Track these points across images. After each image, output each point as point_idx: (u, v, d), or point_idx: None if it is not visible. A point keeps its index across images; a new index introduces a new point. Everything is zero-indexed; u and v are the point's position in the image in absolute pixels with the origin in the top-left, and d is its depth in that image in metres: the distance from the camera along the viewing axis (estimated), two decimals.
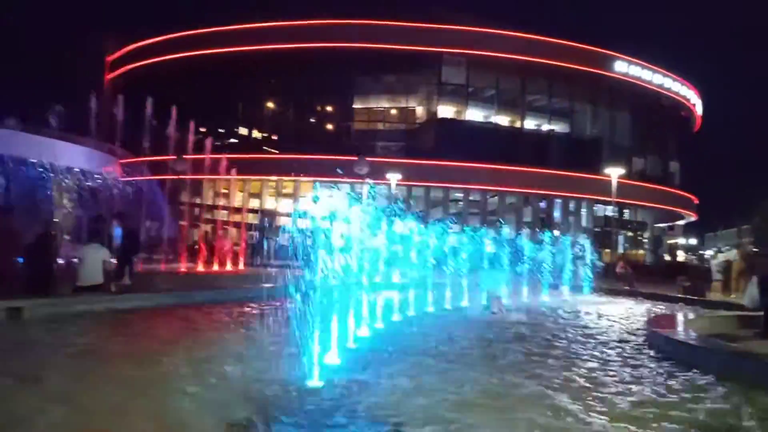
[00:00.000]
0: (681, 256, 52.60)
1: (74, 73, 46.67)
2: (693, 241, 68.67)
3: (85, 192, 18.02)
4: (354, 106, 42.26)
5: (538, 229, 40.78)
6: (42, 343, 7.18)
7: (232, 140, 43.13)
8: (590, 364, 7.27)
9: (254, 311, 10.67)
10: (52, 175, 17.71)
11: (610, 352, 8.32)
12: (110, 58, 48.02)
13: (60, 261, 12.01)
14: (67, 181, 17.62)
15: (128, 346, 7.32)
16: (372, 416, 4.64)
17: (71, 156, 18.93)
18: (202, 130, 43.70)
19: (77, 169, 18.51)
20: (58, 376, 5.54)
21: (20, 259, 10.62)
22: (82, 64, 48.11)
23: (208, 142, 30.00)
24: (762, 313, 9.61)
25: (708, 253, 46.79)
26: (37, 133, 17.81)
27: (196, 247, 24.24)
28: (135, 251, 13.29)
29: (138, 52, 45.03)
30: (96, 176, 19.33)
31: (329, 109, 43.56)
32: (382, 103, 42.89)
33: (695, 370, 6.78)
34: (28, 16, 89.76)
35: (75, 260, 11.10)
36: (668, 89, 45.73)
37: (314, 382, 5.46)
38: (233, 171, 28.92)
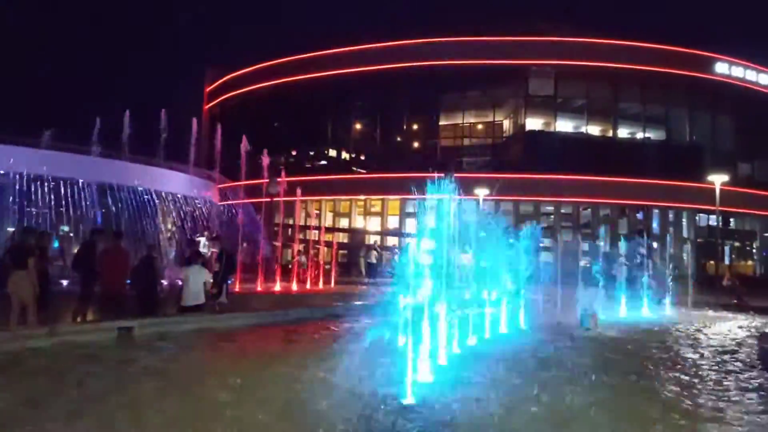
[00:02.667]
0: None
1: (176, 104, 49.68)
2: None
3: (187, 216, 19.09)
4: (440, 123, 42.40)
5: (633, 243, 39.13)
6: (157, 358, 7.65)
7: (322, 162, 44.34)
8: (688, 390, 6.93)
9: (346, 328, 10.88)
10: (157, 201, 18.92)
11: (715, 373, 7.88)
12: (208, 88, 50.79)
13: (164, 282, 12.76)
14: (170, 206, 18.75)
15: (233, 361, 7.69)
16: None
17: (174, 183, 20.12)
18: (294, 153, 45.27)
19: (180, 195, 19.65)
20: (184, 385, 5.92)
21: (128, 282, 11.40)
22: (182, 95, 51.13)
23: (300, 165, 30.92)
24: None
25: None
26: (144, 163, 19.08)
27: (290, 266, 24.97)
28: (232, 272, 13.91)
29: (233, 81, 47.39)
30: (196, 201, 20.43)
31: (415, 127, 43.90)
32: (468, 119, 42.75)
33: None
34: (132, 53, 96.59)
35: (179, 281, 11.77)
36: None
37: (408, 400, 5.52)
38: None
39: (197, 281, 11.01)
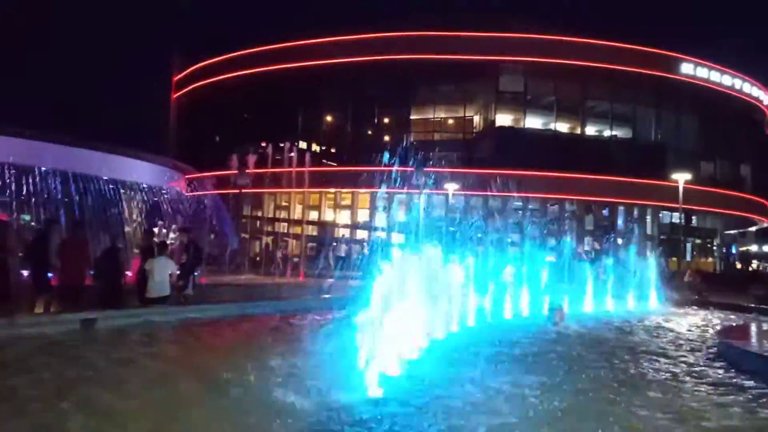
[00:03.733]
0: (756, 263, 50.20)
1: (143, 92, 48.74)
2: (766, 248, 65.38)
3: (152, 206, 18.74)
4: (411, 117, 42.43)
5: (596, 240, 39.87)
6: (118, 350, 7.49)
7: (292, 154, 44.01)
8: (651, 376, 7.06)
9: (312, 321, 10.82)
10: (122, 191, 18.53)
11: (676, 367, 8.05)
12: (176, 77, 49.92)
13: (128, 273, 12.50)
14: (135, 196, 18.38)
15: (195, 353, 7.58)
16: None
17: (139, 172, 19.71)
18: (263, 144, 44.84)
19: (145, 185, 19.27)
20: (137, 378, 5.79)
21: (91, 272, 11.12)
22: (150, 84, 50.30)
23: (269, 156, 30.68)
24: None
25: None
26: (109, 152, 18.63)
27: (258, 258, 24.79)
28: (198, 263, 13.68)
29: (202, 71, 46.63)
30: (162, 191, 20.07)
31: (386, 120, 43.86)
32: (439, 114, 42.89)
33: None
34: (102, 40, 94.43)
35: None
36: (738, 90, 43.89)
37: (374, 392, 5.50)
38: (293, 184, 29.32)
39: (162, 273, 10.83)
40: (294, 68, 40.41)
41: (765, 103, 47.03)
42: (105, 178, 17.61)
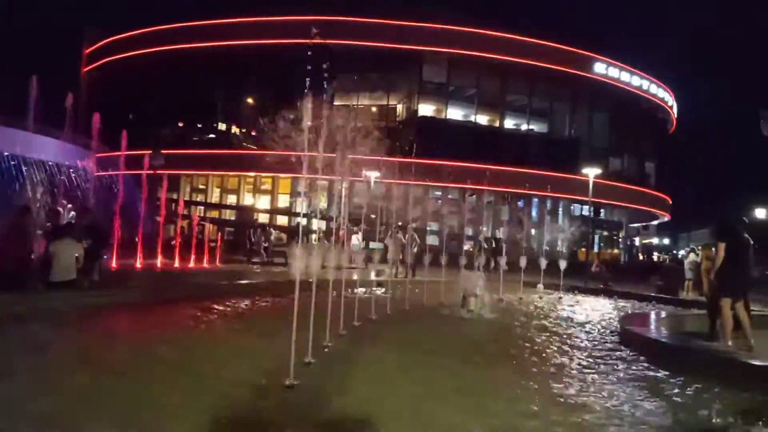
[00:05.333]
0: (656, 255, 53.35)
1: (50, 64, 45.93)
2: (666, 241, 69.76)
3: (58, 186, 17.74)
4: (334, 103, 42.13)
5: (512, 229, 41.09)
6: (12, 337, 7.05)
7: (211, 136, 42.79)
8: (561, 360, 7.35)
9: (225, 308, 10.59)
10: (25, 168, 17.43)
11: (581, 351, 8.41)
12: (88, 50, 47.32)
13: (32, 255, 11.77)
14: (40, 174, 17.34)
15: (96, 341, 7.23)
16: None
17: (45, 149, 18.62)
18: (180, 125, 43.27)
19: (51, 163, 18.22)
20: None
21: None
22: (58, 54, 47.42)
23: (186, 137, 29.70)
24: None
25: (681, 252, 47.51)
26: (9, 126, 17.47)
27: (173, 243, 23.98)
28: (102, 247, 13.03)
29: (116, 44, 44.47)
30: (70, 170, 19.03)
31: (309, 105, 43.35)
32: (362, 101, 42.83)
33: (665, 367, 6.89)
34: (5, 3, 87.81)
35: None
36: (646, 91, 46.30)
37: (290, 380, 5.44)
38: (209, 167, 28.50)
39: (68, 255, 10.27)
40: (214, 47, 39.24)
41: (669, 104, 49.86)
42: (5, 153, 16.51)
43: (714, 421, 4.78)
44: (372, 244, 26.29)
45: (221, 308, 10.50)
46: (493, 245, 15.30)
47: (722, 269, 8.55)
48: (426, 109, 41.83)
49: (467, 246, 22.21)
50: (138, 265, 18.21)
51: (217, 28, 39.90)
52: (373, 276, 15.81)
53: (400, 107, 42.70)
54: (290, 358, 5.45)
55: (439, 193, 40.55)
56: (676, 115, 52.06)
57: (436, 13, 39.42)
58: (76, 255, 10.38)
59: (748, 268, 8.90)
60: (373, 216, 12.40)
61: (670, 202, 51.12)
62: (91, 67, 46.72)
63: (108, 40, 45.15)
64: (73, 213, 17.10)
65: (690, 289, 19.32)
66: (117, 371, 5.74)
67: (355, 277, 12.87)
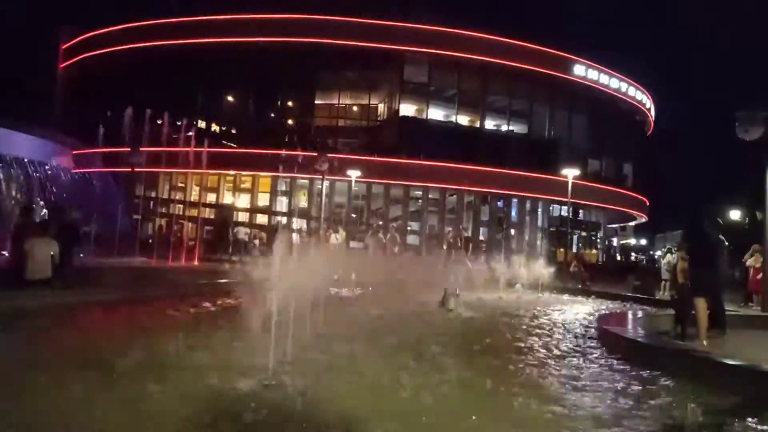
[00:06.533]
0: (634, 256, 54.02)
1: (26, 59, 45.22)
2: (643, 242, 70.70)
3: (33, 183, 17.50)
4: (315, 101, 42.05)
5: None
6: None
7: (190, 133, 42.36)
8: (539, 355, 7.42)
9: (202, 308, 10.50)
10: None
11: (560, 348, 8.50)
12: (65, 45, 46.63)
13: (5, 253, 11.62)
14: (14, 171, 17.08)
15: (68, 340, 7.13)
16: None
17: (20, 146, 18.33)
18: (159, 122, 42.76)
19: (26, 160, 17.96)
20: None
21: None
22: (35, 50, 46.66)
23: (165, 135, 29.41)
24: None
25: (658, 253, 48.14)
26: None
27: (151, 241, 23.77)
28: (73, 245, 12.85)
29: (94, 40, 43.84)
30: (45, 167, 18.78)
31: (290, 104, 43.22)
32: (344, 100, 42.78)
33: (641, 366, 6.99)
34: None
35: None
36: (624, 93, 46.81)
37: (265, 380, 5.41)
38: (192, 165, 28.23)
39: (43, 253, 10.15)
40: (194, 45, 38.89)
41: (647, 106, 50.48)
42: None
43: (687, 420, 4.85)
44: (352, 244, 26.33)
45: (196, 308, 10.41)
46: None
47: (696, 270, 8.70)
48: (407, 109, 41.88)
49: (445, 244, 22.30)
50: (115, 263, 18.02)
51: (197, 25, 39.59)
52: (353, 275, 15.82)
53: (381, 107, 42.71)
54: (268, 358, 5.44)
55: (420, 192, 40.68)
56: (653, 118, 52.73)
57: (417, 13, 39.49)
58: (52, 253, 10.26)
59: (721, 269, 9.06)
60: (353, 215, 12.39)
61: (648, 204, 51.75)
62: (68, 63, 46.05)
63: (85, 35, 44.53)
64: (45, 211, 16.90)
65: (666, 290, 19.60)
66: (80, 374, 5.65)
67: (335, 276, 12.85)
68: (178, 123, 33.40)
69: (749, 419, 4.88)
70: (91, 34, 43.98)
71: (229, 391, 5.08)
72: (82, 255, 14.61)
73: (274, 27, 38.36)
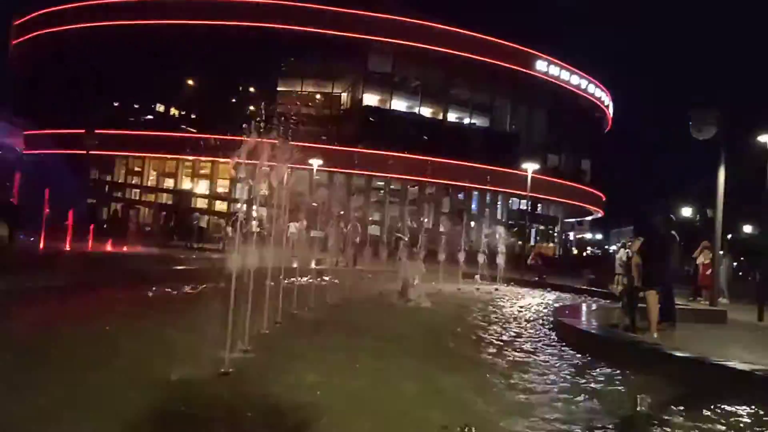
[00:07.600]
0: (589, 250, 55.16)
1: None
2: (599, 236, 72.25)
3: None
4: (278, 88, 41.50)
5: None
6: None
7: (148, 117, 41.39)
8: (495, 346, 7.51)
9: (154, 294, 10.29)
10: None
11: (515, 339, 8.62)
12: (16, 22, 44.90)
13: None
14: None
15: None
16: None
17: None
18: (116, 104, 41.63)
19: None
20: None
21: None
22: None
23: (122, 117, 28.70)
24: None
25: (613, 247, 49.26)
26: None
27: (105, 226, 23.19)
28: (16, 227, 12.44)
29: (48, 17, 42.29)
30: None
31: (252, 89, 42.55)
32: (307, 88, 42.34)
33: (592, 356, 7.14)
34: None
35: None
36: (584, 90, 47.54)
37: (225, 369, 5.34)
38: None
39: None
40: (153, 25, 37.85)
41: (606, 103, 51.44)
42: None
43: (638, 409, 4.96)
44: (313, 233, 26.13)
45: (150, 294, 10.19)
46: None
47: (648, 264, 8.91)
48: (371, 99, 41.76)
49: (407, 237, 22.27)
50: (67, 248, 17.49)
51: (157, 6, 38.57)
52: (313, 265, 15.72)
53: (344, 96, 42.43)
54: (225, 347, 5.37)
55: (382, 183, 40.69)
56: (611, 115, 53.78)
57: (383, 3, 39.28)
58: None
59: (671, 263, 9.30)
60: (314, 204, 12.29)
61: (604, 199, 52.87)
62: (20, 39, 44.39)
63: (39, 12, 42.92)
64: None
65: (620, 283, 20.04)
66: (27, 359, 5.48)
67: (294, 265, 12.74)
68: (136, 106, 32.59)
69: (696, 408, 5.02)
70: (45, 10, 42.38)
71: (178, 384, 4.97)
72: (33, 239, 14.14)
73: (238, 10, 37.64)
